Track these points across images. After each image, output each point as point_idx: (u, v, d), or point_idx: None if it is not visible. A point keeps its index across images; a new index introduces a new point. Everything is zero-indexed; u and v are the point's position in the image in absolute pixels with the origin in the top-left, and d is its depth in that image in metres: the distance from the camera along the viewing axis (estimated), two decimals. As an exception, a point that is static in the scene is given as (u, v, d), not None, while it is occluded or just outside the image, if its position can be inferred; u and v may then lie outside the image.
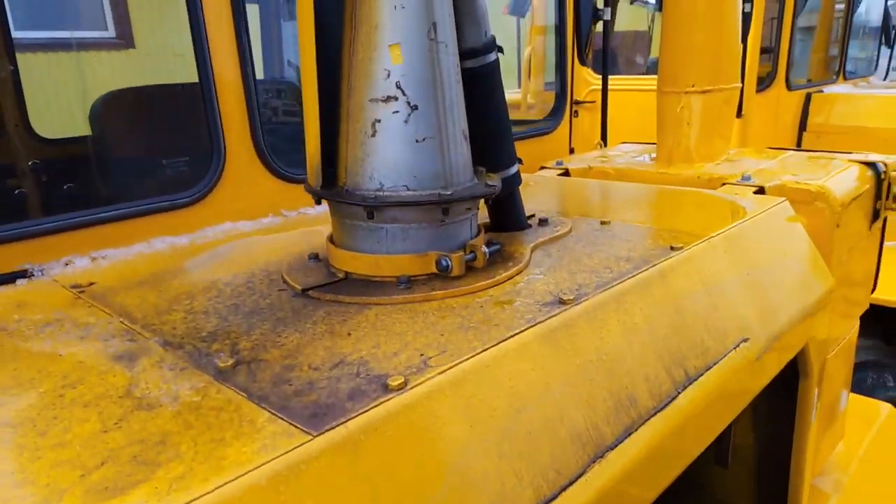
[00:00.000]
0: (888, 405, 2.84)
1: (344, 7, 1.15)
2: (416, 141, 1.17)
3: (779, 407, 1.82)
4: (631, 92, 4.38)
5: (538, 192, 1.97)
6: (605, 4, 2.72)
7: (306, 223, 1.71)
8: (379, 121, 1.16)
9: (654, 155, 2.27)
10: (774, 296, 1.52)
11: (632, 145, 2.63)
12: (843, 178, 1.93)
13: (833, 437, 2.29)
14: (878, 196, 2.03)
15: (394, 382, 0.84)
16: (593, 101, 3.10)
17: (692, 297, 1.31)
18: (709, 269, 1.38)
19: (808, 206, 1.80)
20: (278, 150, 1.80)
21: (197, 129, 1.72)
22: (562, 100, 2.63)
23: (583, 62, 2.57)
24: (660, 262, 1.29)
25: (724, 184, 1.89)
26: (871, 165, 2.02)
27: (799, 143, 4.45)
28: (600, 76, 2.81)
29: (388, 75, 1.14)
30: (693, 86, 2.07)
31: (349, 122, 1.18)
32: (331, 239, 1.30)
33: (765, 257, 1.56)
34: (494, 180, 1.32)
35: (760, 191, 1.81)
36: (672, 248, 1.36)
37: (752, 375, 1.38)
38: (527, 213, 1.62)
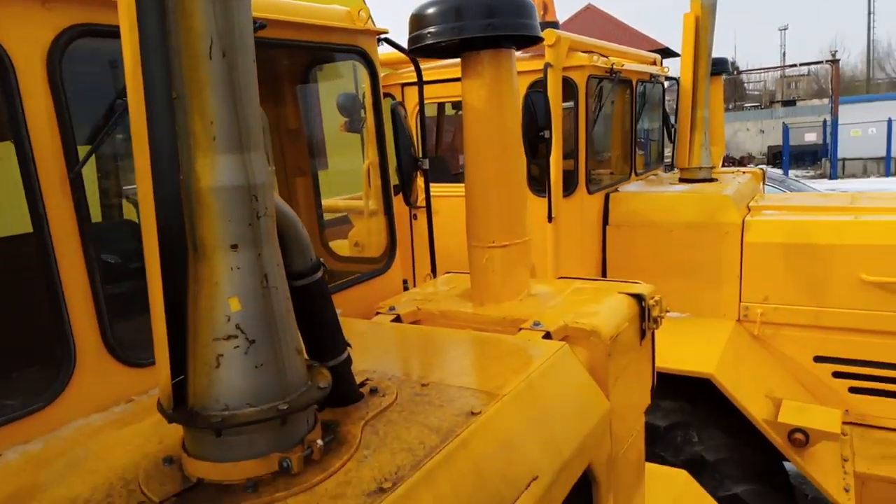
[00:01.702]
0: (685, 473, 3.40)
1: (187, 267, 1.40)
2: (256, 367, 1.43)
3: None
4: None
5: (371, 345, 2.28)
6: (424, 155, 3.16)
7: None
8: (222, 355, 1.41)
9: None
10: (558, 431, 1.92)
11: (455, 276, 3.04)
12: (613, 312, 2.43)
13: (637, 510, 2.75)
14: (642, 319, 2.56)
15: None
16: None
17: (490, 457, 1.66)
18: (503, 427, 1.75)
19: (586, 341, 2.26)
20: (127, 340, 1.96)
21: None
22: (391, 241, 3.01)
23: (408, 204, 2.96)
24: (462, 431, 1.64)
25: (520, 328, 2.32)
26: (636, 297, 2.56)
27: (604, 236, 5.20)
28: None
29: (229, 319, 1.40)
30: (493, 242, 2.52)
31: (196, 358, 1.42)
32: (183, 445, 1.51)
33: (550, 399, 1.97)
34: (326, 380, 1.60)
35: (548, 335, 2.25)
36: (472, 414, 1.71)
37: (543, 506, 1.74)
38: (361, 377, 1.92)
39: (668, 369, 4.28)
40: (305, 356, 1.63)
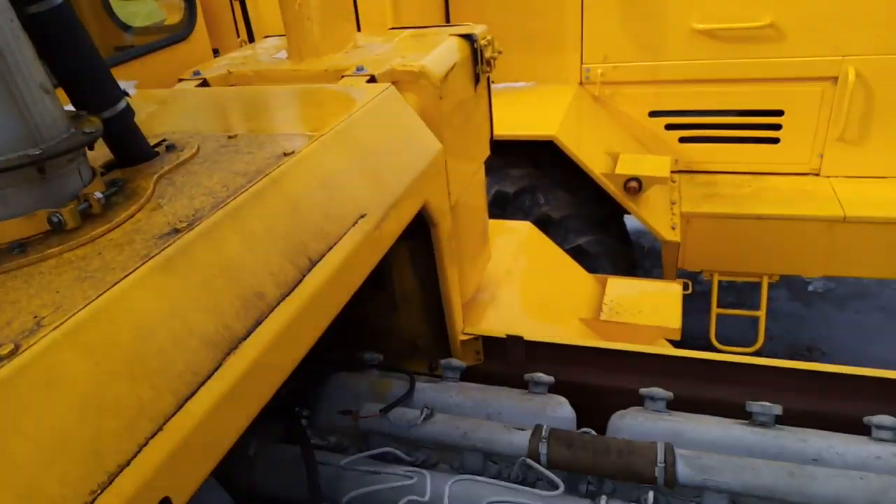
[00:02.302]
0: (528, 223, 3.56)
1: None
2: (-16, 108, 1.15)
3: (426, 253, 2.22)
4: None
5: (172, 110, 2.00)
6: None
7: None
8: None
9: (292, 49, 2.39)
10: (386, 171, 1.82)
11: (275, 39, 2.71)
12: (443, 53, 2.27)
13: (482, 260, 2.85)
14: (475, 62, 2.43)
15: (3, 351, 0.93)
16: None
17: (308, 194, 1.54)
18: (322, 166, 1.62)
19: (415, 85, 2.11)
20: None
21: None
22: (191, 2, 2.57)
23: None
24: (272, 170, 1.48)
25: (343, 76, 2.11)
26: (467, 37, 2.39)
27: (447, 5, 4.89)
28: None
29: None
30: (304, -16, 2.20)
31: None
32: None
33: (375, 140, 1.85)
34: (95, 125, 1.35)
35: (373, 79, 2.07)
36: (285, 154, 1.56)
37: (374, 243, 1.69)
38: (158, 139, 1.68)
39: (513, 136, 4.32)
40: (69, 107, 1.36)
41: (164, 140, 1.68)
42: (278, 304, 1.33)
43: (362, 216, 1.65)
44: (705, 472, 1.64)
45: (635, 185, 4.32)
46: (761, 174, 4.89)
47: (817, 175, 4.81)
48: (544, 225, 4.55)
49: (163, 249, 1.19)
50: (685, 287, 4.66)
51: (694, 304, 5.10)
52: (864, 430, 1.78)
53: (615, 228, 4.86)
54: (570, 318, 3.13)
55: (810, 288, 6.17)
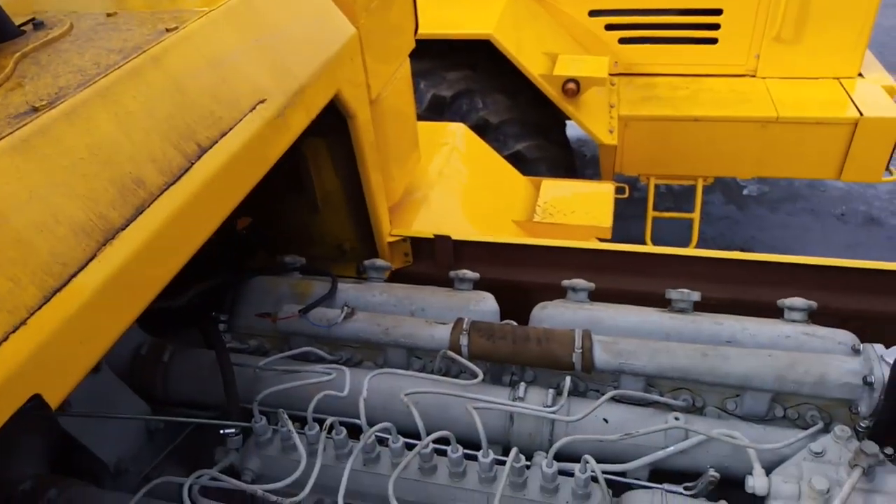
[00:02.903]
0: (462, 125, 3.45)
1: None
2: None
3: (346, 151, 2.11)
4: None
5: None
6: None
7: None
8: None
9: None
10: (291, 55, 1.68)
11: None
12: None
13: (412, 161, 2.75)
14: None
15: None
16: None
17: (195, 75, 1.39)
18: (211, 44, 1.46)
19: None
20: None
21: None
22: None
23: None
24: (151, 47, 1.33)
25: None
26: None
27: None
28: None
29: None
30: None
31: None
32: None
33: (277, 21, 1.69)
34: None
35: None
36: (167, 31, 1.40)
37: (278, 132, 1.57)
38: (27, 18, 1.49)
39: (448, 34, 4.14)
40: None
41: (32, 19, 1.49)
42: (162, 192, 1.22)
43: (261, 101, 1.52)
44: (621, 356, 1.65)
45: (573, 87, 4.22)
46: (699, 76, 4.84)
47: (753, 76, 4.80)
48: (482, 130, 4.44)
49: (17, 129, 1.06)
50: (622, 191, 4.70)
51: (633, 210, 5.17)
52: (779, 314, 1.82)
53: (555, 134, 4.79)
54: (503, 219, 3.10)
55: (745, 192, 6.31)
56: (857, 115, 4.22)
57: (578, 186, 3.42)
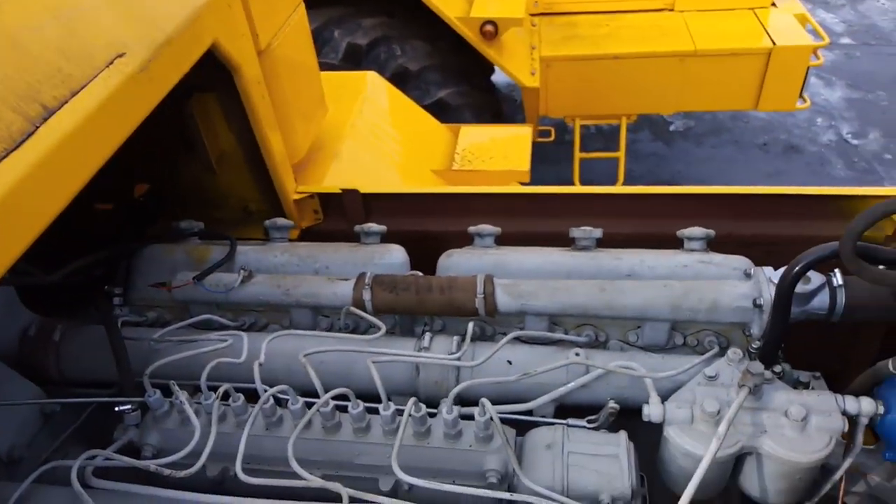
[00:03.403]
0: (375, 74, 3.34)
1: None
2: None
3: (239, 106, 2.00)
4: None
5: None
6: None
7: None
8: None
9: None
10: (154, 3, 1.55)
11: None
12: None
13: (318, 114, 2.65)
14: None
15: None
16: None
17: (35, 29, 1.27)
18: (52, -7, 1.33)
19: None
20: None
21: None
22: None
23: None
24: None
25: None
26: None
27: None
28: None
29: None
30: None
31: None
32: None
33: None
34: None
35: None
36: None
37: (144, 87, 1.46)
38: None
39: (359, -21, 3.97)
40: None
41: None
42: (3, 158, 1.11)
43: (120, 55, 1.40)
44: (522, 297, 1.65)
45: (491, 29, 4.13)
46: (619, 12, 4.82)
47: (671, 10, 4.80)
48: (403, 78, 4.33)
49: None
50: (547, 135, 4.69)
51: (564, 153, 5.17)
52: (681, 245, 1.84)
53: (479, 79, 4.71)
54: (422, 170, 3.04)
55: (672, 128, 6.40)
56: (771, 44, 4.28)
57: (496, 131, 3.38)
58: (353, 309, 1.69)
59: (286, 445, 1.37)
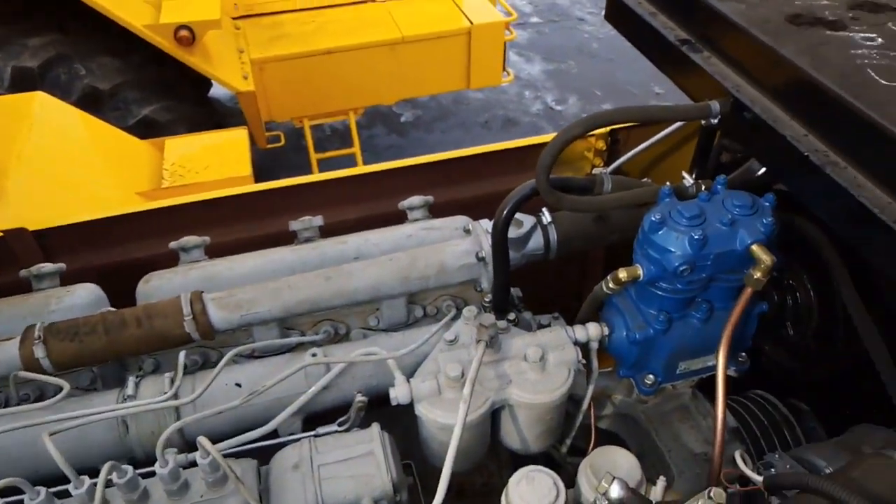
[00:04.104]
0: (42, 94, 2.82)
1: None
2: None
3: None
4: None
5: None
6: None
7: None
8: None
9: None
10: None
11: None
12: None
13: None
14: None
15: None
16: None
17: None
18: None
19: None
20: None
21: None
22: None
23: None
24: None
25: None
26: None
27: None
28: None
29: None
30: None
31: None
32: None
33: None
34: None
35: None
36: None
37: None
38: None
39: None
40: None
41: None
42: None
43: None
44: (241, 307, 1.44)
45: (187, 35, 3.77)
46: (322, 8, 4.75)
47: (374, 1, 4.85)
48: (95, 100, 3.78)
49: None
50: (277, 140, 4.47)
51: (301, 158, 4.97)
52: (405, 218, 1.78)
53: (188, 91, 4.30)
54: (125, 194, 2.64)
55: (402, 119, 6.56)
56: (469, 24, 4.53)
57: (207, 139, 3.08)
58: (22, 374, 1.33)
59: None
